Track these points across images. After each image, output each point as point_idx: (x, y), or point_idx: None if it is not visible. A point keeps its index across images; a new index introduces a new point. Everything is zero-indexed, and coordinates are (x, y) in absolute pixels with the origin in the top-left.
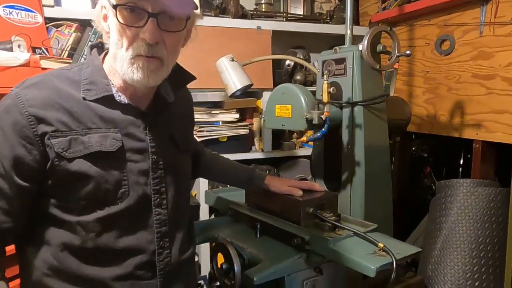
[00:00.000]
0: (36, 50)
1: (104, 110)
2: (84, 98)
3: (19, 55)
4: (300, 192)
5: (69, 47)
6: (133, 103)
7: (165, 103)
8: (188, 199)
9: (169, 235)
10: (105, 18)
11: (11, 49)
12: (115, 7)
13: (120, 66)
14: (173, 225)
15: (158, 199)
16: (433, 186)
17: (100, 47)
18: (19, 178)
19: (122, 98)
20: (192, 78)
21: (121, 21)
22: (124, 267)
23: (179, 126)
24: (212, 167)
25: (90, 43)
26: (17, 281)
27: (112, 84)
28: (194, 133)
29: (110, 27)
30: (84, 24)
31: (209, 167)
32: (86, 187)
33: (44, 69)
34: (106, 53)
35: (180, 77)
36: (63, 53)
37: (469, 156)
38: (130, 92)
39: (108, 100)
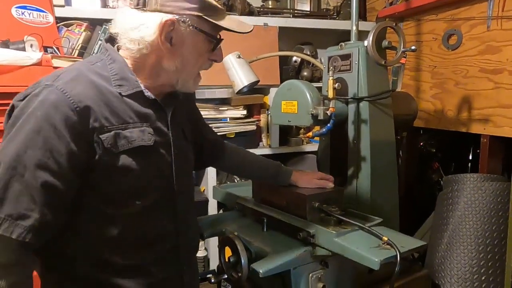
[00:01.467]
0: (48, 49)
1: (137, 105)
2: (120, 93)
3: (32, 54)
4: (331, 184)
5: (80, 46)
6: (157, 99)
7: (177, 99)
8: (193, 186)
9: (187, 221)
10: (168, 39)
11: (23, 49)
12: (218, 40)
13: (183, 79)
14: (189, 212)
15: (180, 189)
16: (441, 181)
17: (113, 40)
18: (73, 174)
19: (149, 94)
20: None
21: (208, 48)
22: (157, 252)
23: (185, 118)
24: (239, 163)
25: (104, 36)
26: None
27: (139, 81)
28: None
29: (183, 49)
30: (94, 23)
31: (233, 163)
32: (128, 180)
33: (55, 67)
34: (118, 48)
35: None
36: (73, 52)
37: (478, 151)
38: (158, 91)
39: (139, 96)
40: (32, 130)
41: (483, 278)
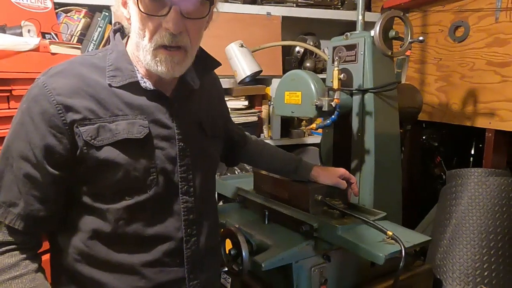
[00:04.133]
0: (46, 35)
1: (130, 96)
2: (110, 85)
3: (29, 40)
4: (345, 185)
5: (79, 32)
6: (158, 89)
7: (191, 89)
8: (214, 186)
9: (197, 222)
10: (124, 4)
11: (20, 34)
12: None
13: (143, 57)
14: (200, 213)
15: (186, 187)
16: (443, 176)
17: (123, 32)
18: (51, 167)
19: (147, 84)
20: (217, 64)
21: (142, 9)
22: (152, 253)
23: (207, 112)
24: (257, 155)
25: (103, 24)
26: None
27: (137, 70)
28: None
29: (131, 15)
30: (93, 10)
31: (254, 155)
32: (115, 175)
33: (53, 54)
34: (128, 37)
35: (205, 63)
36: (72, 39)
37: (480, 146)
38: (155, 78)
39: (133, 87)
40: (18, 122)
41: (485, 273)
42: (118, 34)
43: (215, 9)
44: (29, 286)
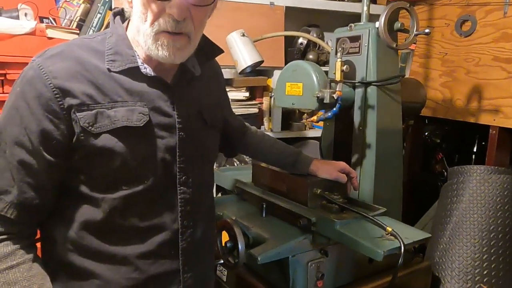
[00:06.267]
0: (44, 19)
1: (130, 82)
2: (109, 70)
3: (25, 23)
4: (345, 179)
5: (78, 18)
6: (159, 76)
7: (192, 77)
8: (212, 177)
9: (193, 214)
10: None
11: (17, 17)
12: None
13: (144, 41)
14: (197, 205)
15: (184, 177)
16: (445, 173)
17: (123, 15)
18: (47, 154)
19: (148, 70)
20: (220, 51)
21: None
22: (147, 245)
23: (207, 100)
24: (255, 146)
25: (103, 9)
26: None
27: (137, 55)
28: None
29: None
30: None
31: (252, 146)
32: (112, 163)
33: (50, 38)
34: (129, 21)
35: (207, 50)
36: (72, 24)
37: (483, 143)
38: (155, 64)
39: (133, 72)
40: (11, 106)
41: (485, 272)
42: (118, 18)
43: None
44: (26, 276)
